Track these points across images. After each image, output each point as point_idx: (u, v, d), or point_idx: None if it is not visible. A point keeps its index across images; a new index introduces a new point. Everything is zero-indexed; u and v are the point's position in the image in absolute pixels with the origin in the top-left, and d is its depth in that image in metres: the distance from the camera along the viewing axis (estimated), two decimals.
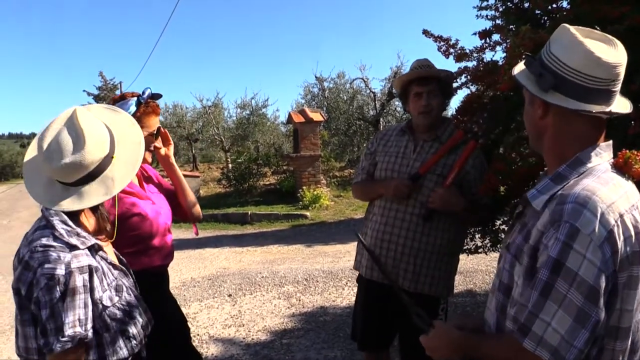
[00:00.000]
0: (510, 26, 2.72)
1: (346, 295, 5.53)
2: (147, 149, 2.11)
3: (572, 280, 1.06)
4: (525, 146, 2.82)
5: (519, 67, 1.30)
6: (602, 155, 1.21)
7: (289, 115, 14.27)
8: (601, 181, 1.15)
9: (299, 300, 5.54)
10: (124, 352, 1.42)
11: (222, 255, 8.37)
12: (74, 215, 1.41)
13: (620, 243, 1.09)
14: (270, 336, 4.54)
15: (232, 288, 6.14)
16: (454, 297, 5.34)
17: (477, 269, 6.19)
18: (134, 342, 1.45)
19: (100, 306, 1.37)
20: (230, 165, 17.35)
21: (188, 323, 2.40)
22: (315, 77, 19.36)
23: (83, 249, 1.36)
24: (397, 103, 18.41)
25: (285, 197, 13.77)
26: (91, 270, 1.35)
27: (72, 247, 1.34)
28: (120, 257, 1.66)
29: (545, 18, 2.62)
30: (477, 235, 3.07)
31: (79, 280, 1.31)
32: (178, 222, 12.52)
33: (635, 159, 1.23)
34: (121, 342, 1.42)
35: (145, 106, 2.06)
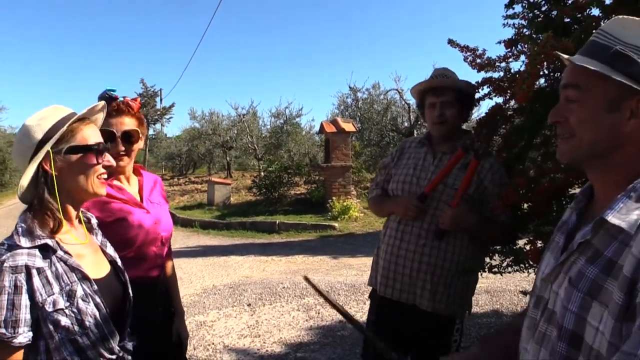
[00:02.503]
0: (538, 35, 2.59)
1: (367, 310, 5.37)
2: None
3: None
4: (551, 162, 2.67)
5: (582, 60, 1.07)
6: None
7: (321, 125, 14.24)
8: None
9: (318, 313, 5.43)
10: None
11: (246, 263, 8.34)
12: (42, 215, 1.38)
13: None
14: (285, 349, 4.45)
15: (252, 297, 6.08)
16: (479, 317, 5.16)
17: (505, 289, 5.96)
18: (90, 354, 1.37)
19: (43, 310, 1.30)
20: (262, 174, 17.44)
21: (203, 332, 2.31)
22: (349, 87, 19.35)
23: (28, 248, 1.31)
24: None
25: (314, 207, 13.71)
26: (29, 271, 1.29)
27: (14, 246, 1.31)
28: (115, 259, 1.62)
29: (576, 26, 2.47)
30: (498, 255, 2.92)
31: (8, 279, 1.26)
32: (206, 229, 12.65)
33: None
34: (73, 353, 1.34)
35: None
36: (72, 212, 1.50)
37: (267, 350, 4.41)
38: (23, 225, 1.36)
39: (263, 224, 12.28)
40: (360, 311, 5.43)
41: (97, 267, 1.53)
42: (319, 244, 10.46)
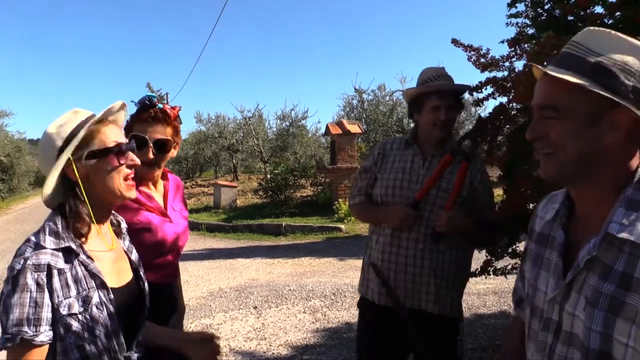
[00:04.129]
0: (540, 34, 2.57)
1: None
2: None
3: None
4: None
5: (557, 71, 1.05)
6: None
7: (327, 127, 14.24)
8: None
9: (325, 315, 5.42)
10: None
11: (252, 266, 8.34)
12: (70, 219, 1.38)
13: None
14: (292, 351, 4.44)
15: (259, 300, 6.08)
16: (486, 318, 5.13)
17: (512, 290, 5.92)
18: None
19: (57, 312, 1.30)
20: (268, 176, 17.47)
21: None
22: (355, 89, 19.34)
23: (52, 249, 1.32)
24: None
25: (320, 209, 13.70)
26: (50, 271, 1.29)
27: (39, 246, 1.31)
28: (138, 267, 1.62)
29: (579, 24, 2.45)
30: (506, 256, 2.90)
31: (30, 277, 1.26)
32: (213, 232, 12.67)
33: None
34: (77, 358, 1.33)
35: (135, 115, 2.00)
36: (102, 216, 1.50)
37: (273, 353, 4.40)
38: (51, 224, 1.36)
39: (269, 227, 12.27)
40: None
41: (119, 275, 1.52)
42: (325, 245, 10.44)
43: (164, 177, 2.24)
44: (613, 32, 1.05)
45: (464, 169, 2.27)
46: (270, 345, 4.57)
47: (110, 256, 1.51)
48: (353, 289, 6.34)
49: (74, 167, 1.39)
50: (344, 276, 7.33)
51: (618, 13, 2.25)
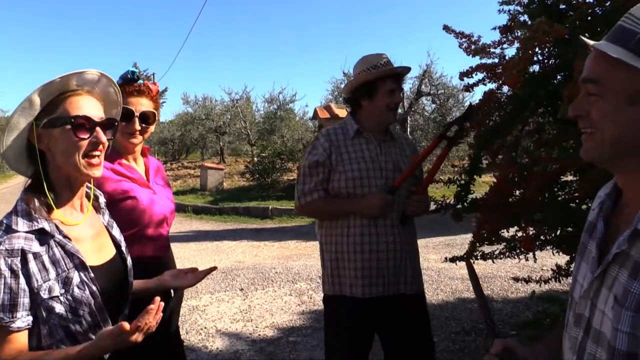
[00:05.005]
0: (533, 20, 2.57)
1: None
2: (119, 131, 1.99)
3: None
4: (544, 150, 2.68)
5: (602, 44, 0.96)
6: None
7: (315, 111, 14.22)
8: None
9: (311, 298, 5.46)
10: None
11: (239, 248, 8.35)
12: (37, 193, 1.34)
13: None
14: (278, 333, 4.48)
15: (245, 282, 6.10)
16: (470, 302, 5.20)
17: (495, 275, 6.00)
18: (80, 339, 1.34)
19: (38, 296, 1.27)
20: (255, 159, 17.41)
21: (195, 316, 2.32)
22: (343, 73, 19.23)
23: (25, 232, 1.27)
24: (425, 102, 18.14)
25: None
26: (25, 255, 1.26)
27: (10, 229, 1.27)
28: (118, 241, 1.59)
29: (571, 13, 2.46)
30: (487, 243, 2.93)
31: (4, 263, 1.23)
32: (199, 213, 12.64)
33: None
34: (64, 339, 1.32)
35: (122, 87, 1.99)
36: (71, 190, 1.42)
37: (259, 335, 4.43)
38: (22, 205, 1.32)
39: (256, 210, 12.28)
40: None
41: (100, 252, 1.49)
42: (311, 229, 10.43)
43: (144, 155, 2.26)
44: None
45: (443, 156, 2.35)
46: (256, 327, 4.60)
47: (89, 233, 1.47)
48: None
49: (34, 132, 1.33)
50: None
51: (608, 3, 2.26)
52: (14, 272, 1.24)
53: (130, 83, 2.03)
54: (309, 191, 2.38)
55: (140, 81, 2.09)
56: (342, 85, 19.69)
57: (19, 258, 1.25)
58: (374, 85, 2.35)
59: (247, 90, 22.98)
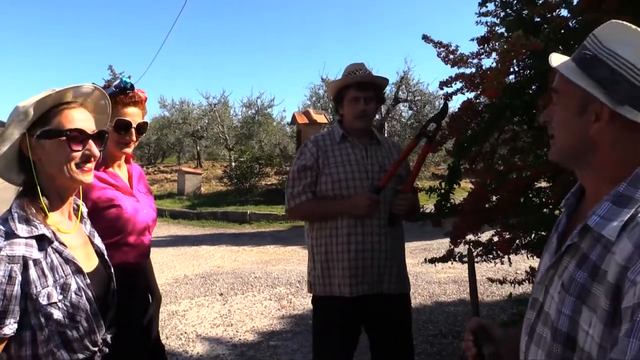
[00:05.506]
0: (510, 33, 2.67)
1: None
2: (113, 140, 2.04)
3: None
4: (519, 157, 2.78)
5: (559, 61, 1.08)
6: None
7: (293, 116, 14.25)
8: None
9: (290, 303, 5.49)
10: (62, 356, 1.34)
11: (217, 253, 8.33)
12: (33, 200, 1.35)
13: None
14: (258, 337, 4.49)
15: (224, 287, 6.10)
16: (447, 306, 5.30)
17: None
18: (76, 346, 1.36)
19: (37, 303, 1.28)
20: (233, 164, 17.35)
21: (175, 321, 2.34)
22: (322, 78, 19.31)
23: (25, 238, 1.28)
24: (402, 108, 18.35)
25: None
26: (26, 262, 1.27)
27: (11, 235, 1.27)
28: (102, 251, 1.61)
29: (545, 26, 2.56)
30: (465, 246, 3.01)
31: (3, 269, 1.23)
32: (176, 218, 12.54)
33: None
34: (59, 345, 1.33)
35: (110, 97, 2.01)
36: (61, 199, 1.45)
37: (240, 339, 4.45)
38: (19, 211, 1.32)
39: (234, 214, 12.25)
40: None
41: (88, 260, 1.52)
42: (290, 234, 10.50)
43: (127, 161, 2.27)
44: (632, 26, 1.03)
45: (425, 153, 2.42)
46: (236, 332, 4.62)
47: (77, 241, 1.51)
48: None
49: (27, 142, 1.35)
50: None
51: (580, 17, 2.37)
52: (11, 279, 1.24)
53: (126, 93, 2.03)
54: (297, 194, 2.47)
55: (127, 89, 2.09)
56: (320, 91, 19.79)
57: (19, 265, 1.26)
58: (340, 93, 2.49)
59: (225, 94, 22.82)
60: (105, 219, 2.00)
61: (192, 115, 22.87)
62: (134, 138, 2.09)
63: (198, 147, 22.70)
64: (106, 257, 1.64)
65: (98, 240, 1.64)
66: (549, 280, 1.12)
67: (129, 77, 2.09)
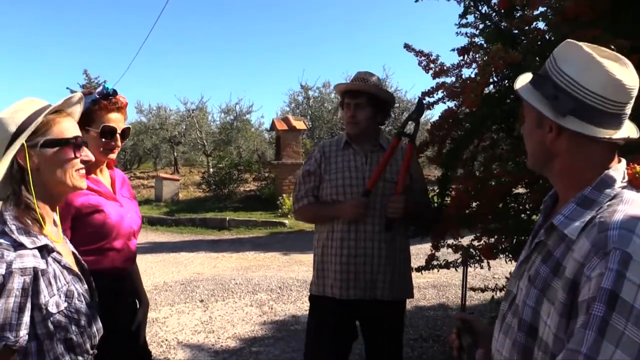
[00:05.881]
0: (489, 44, 2.76)
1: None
2: (98, 146, 2.05)
3: (628, 313, 0.92)
4: (497, 164, 2.86)
5: (522, 83, 1.20)
6: (623, 177, 1.13)
7: (272, 123, 14.29)
8: (638, 206, 1.06)
9: (272, 309, 5.50)
10: None
11: (197, 260, 8.29)
12: (27, 212, 1.35)
13: None
14: (240, 343, 4.50)
15: (205, 294, 6.08)
16: (426, 310, 5.38)
17: (450, 283, 6.22)
18: (78, 351, 1.38)
19: (45, 312, 1.29)
20: (211, 170, 17.26)
21: (156, 328, 2.34)
22: (301, 85, 19.44)
23: (31, 249, 1.30)
24: None
25: (265, 204, 13.73)
26: (36, 273, 1.28)
27: (19, 246, 1.28)
28: (79, 258, 1.62)
29: (522, 38, 2.65)
30: (448, 250, 3.08)
31: (17, 282, 1.24)
32: (154, 225, 12.41)
33: None
34: (64, 352, 1.35)
35: (95, 104, 2.02)
36: (52, 208, 1.47)
37: (221, 346, 4.44)
38: (16, 223, 1.32)
39: (213, 221, 12.19)
40: None
41: (74, 266, 1.52)
42: (269, 240, 10.50)
43: (109, 166, 2.28)
44: (582, 44, 1.12)
45: (410, 151, 2.45)
46: (218, 338, 4.61)
47: (67, 249, 1.53)
48: (299, 283, 6.46)
49: (27, 154, 1.36)
50: (289, 270, 7.43)
51: (556, 30, 2.46)
52: (24, 291, 1.25)
53: (109, 99, 2.04)
54: (301, 197, 2.61)
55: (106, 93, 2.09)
56: (300, 98, 19.89)
57: (31, 276, 1.27)
58: (341, 99, 2.61)
59: (204, 100, 22.77)
60: (89, 225, 2.01)
61: (170, 120, 22.68)
62: (119, 143, 2.10)
63: (175, 153, 22.50)
64: (82, 260, 1.63)
65: (71, 246, 1.65)
66: (520, 274, 1.22)
67: (105, 82, 2.11)
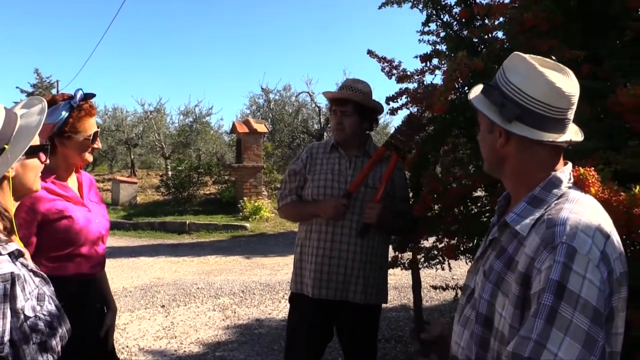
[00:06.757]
0: (451, 52, 2.85)
1: (282, 308, 5.51)
2: (83, 151, 2.08)
3: (575, 303, 0.98)
4: (458, 168, 2.95)
5: (474, 93, 1.28)
6: (569, 178, 1.22)
7: (233, 125, 14.16)
8: (583, 204, 1.14)
9: (235, 313, 5.47)
10: None
11: (157, 264, 8.14)
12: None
13: (612, 263, 1.06)
14: (204, 348, 4.45)
15: (166, 299, 5.99)
16: (388, 312, 5.46)
17: (411, 285, 6.33)
18: (50, 352, 1.37)
19: (22, 317, 1.28)
20: (170, 173, 16.97)
21: (116, 335, 2.31)
22: (262, 88, 19.33)
23: (4, 255, 1.28)
24: None
25: (225, 207, 13.59)
26: (13, 279, 1.26)
27: None
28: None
29: (482, 46, 2.75)
30: (409, 252, 3.15)
31: (1, 289, 1.23)
32: (112, 229, 12.08)
33: (589, 175, 1.25)
34: (39, 355, 1.33)
35: (78, 110, 2.00)
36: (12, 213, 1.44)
37: (184, 351, 4.39)
38: None
39: (172, 225, 11.99)
40: (276, 309, 5.55)
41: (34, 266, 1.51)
42: (230, 244, 10.41)
43: (76, 170, 2.25)
44: (527, 56, 1.22)
45: (394, 162, 2.51)
46: (181, 344, 4.55)
47: (27, 253, 1.50)
48: (262, 287, 6.44)
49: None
50: (251, 274, 7.40)
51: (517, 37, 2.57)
52: (5, 297, 1.24)
53: (85, 102, 2.04)
54: (284, 196, 2.71)
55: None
56: (260, 100, 19.81)
57: (9, 282, 1.25)
58: (329, 106, 2.70)
59: (162, 101, 22.29)
60: (56, 231, 1.98)
61: (126, 122, 22.19)
62: (99, 146, 2.14)
63: (132, 156, 22.02)
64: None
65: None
66: (477, 270, 1.30)
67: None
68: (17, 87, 27.65)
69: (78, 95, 1.99)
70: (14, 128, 1.35)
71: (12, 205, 1.38)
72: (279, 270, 7.62)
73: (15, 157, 1.34)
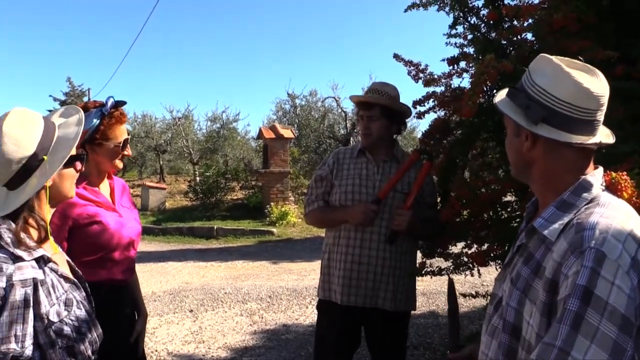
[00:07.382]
0: (478, 55, 2.80)
1: (309, 314, 5.50)
2: (114, 158, 2.11)
3: (602, 309, 0.94)
4: (487, 172, 2.90)
5: (500, 97, 1.25)
6: (601, 182, 1.18)
7: (260, 131, 14.27)
8: (615, 209, 1.10)
9: (262, 318, 5.48)
10: None
11: (185, 269, 8.23)
12: (23, 226, 1.35)
13: None
14: (231, 353, 4.47)
15: (194, 303, 6.04)
16: (416, 318, 5.39)
17: (440, 291, 6.24)
18: (80, 357, 1.39)
19: (46, 321, 1.30)
20: (198, 179, 17.18)
21: (145, 339, 2.33)
22: (288, 93, 19.46)
23: (29, 260, 1.30)
24: None
25: (252, 212, 13.69)
26: (36, 284, 1.29)
27: (17, 259, 1.28)
28: (75, 267, 1.61)
29: (511, 48, 2.70)
30: (440, 258, 3.10)
31: (19, 294, 1.24)
32: (141, 235, 12.27)
33: (622, 179, 1.21)
34: (67, 359, 1.35)
35: (109, 117, 2.03)
36: (48, 220, 1.47)
37: (212, 356, 4.41)
38: (11, 236, 1.31)
39: (200, 230, 12.13)
40: (303, 315, 5.54)
41: (70, 275, 1.53)
42: (257, 249, 10.47)
43: (109, 175, 2.28)
44: (553, 57, 1.19)
45: (426, 169, 2.47)
46: (209, 348, 4.58)
47: (61, 259, 1.53)
48: (289, 292, 6.45)
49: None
50: (278, 279, 7.41)
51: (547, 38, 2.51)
52: (26, 302, 1.26)
53: (116, 109, 2.07)
54: (311, 201, 2.67)
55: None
56: (287, 106, 19.93)
57: (31, 287, 1.27)
58: (356, 110, 2.70)
59: (190, 108, 22.62)
60: (87, 236, 2.01)
61: (155, 129, 22.57)
62: (130, 153, 2.17)
63: (161, 161, 22.37)
64: (77, 269, 1.62)
65: (66, 256, 1.65)
66: (504, 277, 1.27)
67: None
68: (50, 96, 28.32)
69: (109, 103, 2.02)
70: (53, 139, 1.37)
71: (48, 213, 1.41)
72: (305, 275, 7.62)
73: (55, 168, 1.35)
